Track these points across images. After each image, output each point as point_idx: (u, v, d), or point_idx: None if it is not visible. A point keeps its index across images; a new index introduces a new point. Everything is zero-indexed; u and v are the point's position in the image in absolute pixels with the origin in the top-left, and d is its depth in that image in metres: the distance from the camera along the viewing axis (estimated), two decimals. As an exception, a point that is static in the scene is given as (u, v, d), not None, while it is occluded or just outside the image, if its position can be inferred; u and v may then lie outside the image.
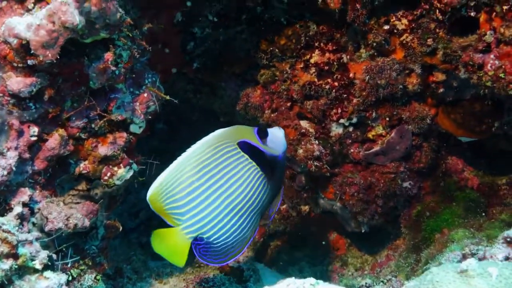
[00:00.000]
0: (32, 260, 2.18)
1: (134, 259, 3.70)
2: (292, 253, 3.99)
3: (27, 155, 2.43)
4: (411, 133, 3.29)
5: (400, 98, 3.19)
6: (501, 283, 1.81)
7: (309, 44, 3.25)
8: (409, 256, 3.37)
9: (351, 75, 3.20)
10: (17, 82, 2.31)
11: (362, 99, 3.17)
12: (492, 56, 2.74)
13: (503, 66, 2.70)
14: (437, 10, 2.88)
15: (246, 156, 2.58)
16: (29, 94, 2.35)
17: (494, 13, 2.70)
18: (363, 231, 3.58)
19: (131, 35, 2.59)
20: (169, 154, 2.65)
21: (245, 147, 2.59)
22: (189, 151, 2.55)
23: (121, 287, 3.44)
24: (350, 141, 3.33)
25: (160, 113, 2.89)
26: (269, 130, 2.71)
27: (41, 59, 2.26)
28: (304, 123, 3.37)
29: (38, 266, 2.19)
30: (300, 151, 3.29)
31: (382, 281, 2.91)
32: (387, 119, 3.24)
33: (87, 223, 2.60)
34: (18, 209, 2.40)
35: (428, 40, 2.96)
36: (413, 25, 2.99)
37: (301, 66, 3.29)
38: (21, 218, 2.42)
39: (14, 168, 2.36)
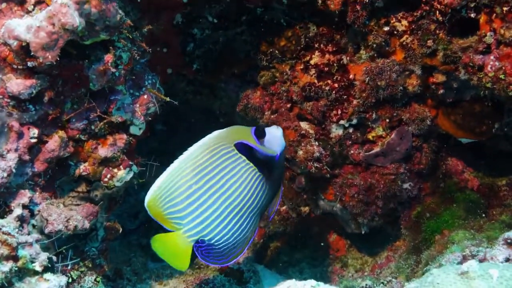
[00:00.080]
0: (32, 262, 2.18)
1: (134, 261, 3.69)
2: (292, 254, 3.99)
3: (27, 157, 2.43)
4: (411, 134, 3.29)
5: (400, 99, 3.19)
6: (502, 285, 1.82)
7: (309, 46, 3.25)
8: (409, 257, 3.37)
9: (351, 76, 3.20)
10: (17, 84, 2.31)
11: (362, 100, 3.17)
12: (492, 57, 2.74)
13: (503, 68, 2.70)
14: (437, 11, 2.88)
15: (244, 158, 2.58)
16: (29, 96, 2.35)
17: (494, 14, 2.71)
18: (363, 232, 3.58)
19: (131, 37, 2.59)
20: (169, 155, 2.65)
21: (242, 148, 2.59)
22: (186, 154, 2.54)
23: (120, 289, 3.45)
24: (350, 142, 3.33)
25: (159, 114, 2.89)
26: (267, 129, 2.70)
27: (41, 61, 2.26)
28: (304, 125, 3.37)
29: (38, 268, 2.19)
30: (300, 152, 3.29)
31: (382, 283, 2.91)
32: (387, 120, 3.24)
33: (87, 224, 2.60)
34: (18, 211, 2.41)
35: (428, 41, 2.96)
36: (413, 26, 2.99)
37: (301, 67, 3.29)
38: (21, 220, 2.42)
39: (14, 170, 2.36)
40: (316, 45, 3.23)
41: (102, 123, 2.63)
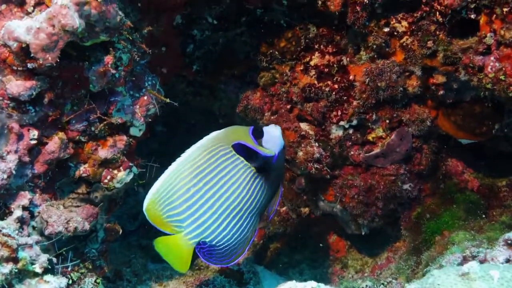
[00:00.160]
0: (32, 263, 2.18)
1: (134, 262, 3.69)
2: (292, 255, 3.99)
3: (27, 159, 2.43)
4: (411, 135, 3.29)
5: (400, 100, 3.19)
6: (503, 286, 1.81)
7: (309, 47, 3.25)
8: (409, 258, 3.37)
9: (351, 77, 3.20)
10: (16, 86, 2.31)
11: (362, 101, 3.17)
12: (492, 58, 2.74)
13: (504, 68, 2.70)
14: (437, 12, 2.88)
15: (242, 159, 2.57)
16: (29, 97, 2.35)
17: (494, 15, 2.71)
18: (363, 233, 3.58)
19: (131, 38, 2.59)
20: (169, 156, 2.64)
21: (240, 149, 2.58)
22: (184, 156, 2.54)
23: (120, 290, 3.44)
24: (350, 143, 3.33)
25: (159, 116, 2.89)
26: (265, 128, 2.69)
27: (41, 62, 2.26)
28: (304, 126, 3.37)
29: (38, 269, 2.19)
30: (300, 153, 3.29)
31: (383, 284, 2.91)
32: (387, 121, 3.24)
33: (87, 226, 2.60)
34: (18, 212, 2.40)
35: (428, 42, 2.96)
36: (413, 27, 2.99)
37: (301, 68, 3.29)
38: (21, 221, 2.42)
39: (14, 172, 2.36)
40: (316, 46, 3.23)
41: (102, 125, 2.63)
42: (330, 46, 3.20)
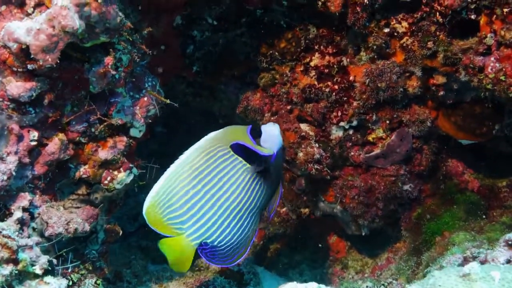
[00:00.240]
0: (33, 265, 2.18)
1: (134, 263, 3.69)
2: (292, 256, 3.99)
3: (27, 160, 2.43)
4: (412, 136, 3.29)
5: (400, 101, 3.19)
6: (504, 287, 1.81)
7: (309, 47, 3.24)
8: (409, 259, 3.37)
9: (351, 78, 3.20)
10: (16, 87, 2.31)
11: (362, 102, 3.17)
12: (492, 58, 2.74)
13: (504, 69, 2.70)
14: (438, 13, 2.88)
15: (240, 159, 2.57)
16: (29, 98, 2.34)
17: (495, 16, 2.71)
18: (363, 234, 3.58)
19: (131, 39, 2.58)
20: (169, 157, 2.64)
21: (238, 149, 2.58)
22: (182, 158, 2.53)
23: (121, 291, 3.44)
24: (350, 144, 3.33)
25: (159, 116, 2.89)
26: (263, 127, 2.68)
27: (41, 63, 2.25)
28: (304, 126, 3.37)
29: (38, 271, 2.18)
30: (300, 154, 3.29)
31: (383, 284, 2.90)
32: (387, 122, 3.24)
33: (87, 227, 2.60)
34: (18, 214, 2.40)
35: (429, 43, 2.96)
36: (414, 28, 2.99)
37: (301, 69, 3.29)
38: (21, 223, 2.41)
39: (14, 173, 2.36)
40: (316, 47, 3.23)
41: (102, 126, 2.62)
42: (330, 46, 3.20)
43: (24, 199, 2.44)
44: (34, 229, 2.49)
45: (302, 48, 3.25)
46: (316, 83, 3.25)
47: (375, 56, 3.12)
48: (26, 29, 2.22)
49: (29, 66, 2.28)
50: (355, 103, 3.21)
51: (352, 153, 3.35)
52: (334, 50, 3.20)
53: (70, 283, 2.60)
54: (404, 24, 3.00)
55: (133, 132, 2.78)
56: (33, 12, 2.31)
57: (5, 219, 2.38)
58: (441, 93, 3.12)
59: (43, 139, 2.49)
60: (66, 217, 2.51)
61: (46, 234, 2.45)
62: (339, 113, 3.25)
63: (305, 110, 3.32)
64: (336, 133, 3.32)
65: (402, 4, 2.95)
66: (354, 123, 3.27)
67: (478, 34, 2.80)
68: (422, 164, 3.40)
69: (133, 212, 4.09)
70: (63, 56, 2.29)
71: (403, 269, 3.35)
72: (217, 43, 3.38)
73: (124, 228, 3.37)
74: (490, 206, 3.39)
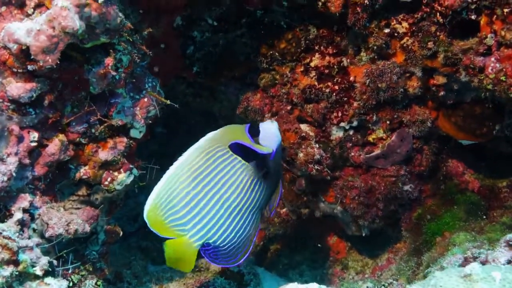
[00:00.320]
0: (33, 266, 2.18)
1: (134, 264, 3.69)
2: (292, 256, 3.99)
3: (27, 161, 2.43)
4: (412, 136, 3.28)
5: (400, 101, 3.19)
6: (505, 288, 1.81)
7: (309, 48, 3.24)
8: (410, 259, 3.36)
9: (351, 78, 3.20)
10: (17, 88, 2.31)
11: (363, 102, 3.17)
12: (493, 59, 2.74)
13: (504, 69, 2.70)
14: (438, 13, 2.88)
15: (239, 158, 2.57)
16: (29, 99, 2.34)
17: (495, 16, 2.70)
18: (363, 234, 3.58)
19: (131, 40, 2.58)
20: (169, 158, 2.64)
21: (237, 148, 2.58)
22: (181, 159, 2.53)
23: (121, 292, 3.44)
24: (350, 144, 3.33)
25: (159, 117, 2.89)
26: (261, 125, 2.69)
27: (41, 64, 2.25)
28: (304, 127, 3.37)
29: (38, 272, 2.18)
30: (301, 154, 3.29)
31: (384, 285, 2.90)
32: (388, 122, 3.24)
33: (87, 228, 2.59)
34: (18, 215, 2.39)
35: (429, 43, 2.95)
36: (414, 28, 2.98)
37: (301, 69, 3.28)
38: (22, 224, 2.41)
39: (14, 174, 2.35)
40: (317, 47, 3.22)
41: (103, 127, 2.62)
42: (330, 47, 3.20)
43: (25, 200, 2.44)
44: (34, 230, 2.48)
45: (302, 48, 3.25)
46: (316, 83, 3.25)
47: (376, 57, 3.12)
48: (26, 30, 2.22)
49: (29, 67, 2.28)
50: (355, 104, 3.21)
51: (353, 154, 3.35)
52: (334, 51, 3.20)
53: (71, 284, 2.59)
54: (405, 24, 3.00)
55: (133, 133, 2.78)
56: (33, 13, 2.31)
57: (6, 220, 2.38)
58: (442, 93, 3.11)
59: (43, 140, 2.49)
60: (67, 218, 2.51)
61: (47, 235, 2.45)
62: (340, 114, 3.25)
63: (305, 110, 3.32)
64: (337, 133, 3.31)
65: (403, 5, 2.95)
66: (355, 123, 3.26)
67: (479, 34, 2.79)
68: (422, 165, 3.40)
69: (133, 212, 4.09)
70: (63, 57, 2.29)
71: (403, 269, 3.35)
72: (217, 44, 3.38)
73: (124, 228, 3.37)
74: (491, 207, 3.39)
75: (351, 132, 3.31)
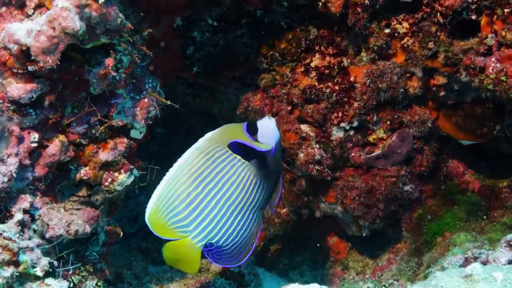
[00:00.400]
0: (33, 267, 2.17)
1: (134, 264, 3.68)
2: (293, 257, 3.99)
3: (27, 162, 2.42)
4: (412, 137, 3.28)
5: (401, 102, 3.18)
6: (506, 288, 1.81)
7: (310, 48, 3.24)
8: (410, 259, 3.36)
9: (351, 78, 3.20)
10: (17, 89, 2.30)
11: (363, 102, 3.17)
12: (493, 59, 2.74)
13: (505, 69, 2.70)
14: (438, 13, 2.88)
15: (239, 157, 2.58)
16: (29, 100, 2.34)
17: (495, 16, 2.70)
18: (364, 234, 3.58)
19: (131, 40, 2.58)
20: (169, 158, 2.64)
21: (236, 147, 2.59)
22: (180, 161, 2.53)
23: (121, 293, 3.44)
24: (351, 144, 3.33)
25: (159, 118, 2.89)
26: (259, 122, 2.70)
27: (41, 65, 2.25)
28: (304, 127, 3.37)
29: (39, 273, 2.18)
30: (301, 155, 3.29)
31: (384, 285, 2.90)
32: (388, 122, 3.24)
33: (88, 229, 2.59)
34: (18, 216, 2.39)
35: (429, 43, 2.95)
36: (414, 28, 2.98)
37: (302, 70, 3.28)
38: (22, 225, 2.41)
39: (14, 175, 2.35)
40: (317, 48, 3.22)
41: (103, 127, 2.62)
42: (330, 47, 3.20)
43: (25, 201, 2.44)
44: (34, 231, 2.48)
45: (302, 49, 3.25)
46: (316, 84, 3.25)
47: (376, 57, 3.12)
48: (26, 30, 2.22)
49: (30, 68, 2.28)
50: (355, 104, 3.21)
51: (353, 154, 3.35)
52: (334, 51, 3.20)
53: (71, 285, 2.59)
54: (405, 24, 3.00)
55: (134, 133, 2.78)
56: (33, 13, 2.31)
57: (6, 221, 2.38)
58: (442, 93, 3.11)
59: (44, 140, 2.49)
60: (67, 218, 2.50)
61: (47, 236, 2.45)
62: (340, 114, 3.25)
63: (305, 111, 3.32)
64: (337, 134, 3.31)
65: (403, 5, 2.95)
66: (355, 123, 3.26)
67: (479, 34, 2.79)
68: (422, 165, 3.40)
69: (133, 213, 4.09)
70: (64, 58, 2.28)
71: (404, 269, 3.35)
72: (217, 44, 3.38)
73: (124, 229, 3.37)
74: (491, 207, 3.39)
75: (351, 133, 3.30)
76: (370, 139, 3.31)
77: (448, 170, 3.52)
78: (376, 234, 3.63)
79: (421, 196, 3.52)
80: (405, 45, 3.03)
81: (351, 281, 3.75)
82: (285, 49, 3.27)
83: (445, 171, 3.52)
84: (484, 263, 2.39)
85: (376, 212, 3.40)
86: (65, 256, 2.55)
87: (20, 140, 2.39)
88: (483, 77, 2.79)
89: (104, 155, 2.66)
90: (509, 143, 3.30)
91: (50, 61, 2.24)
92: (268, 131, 2.67)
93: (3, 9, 2.31)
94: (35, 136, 2.43)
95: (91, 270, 2.74)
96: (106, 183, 2.71)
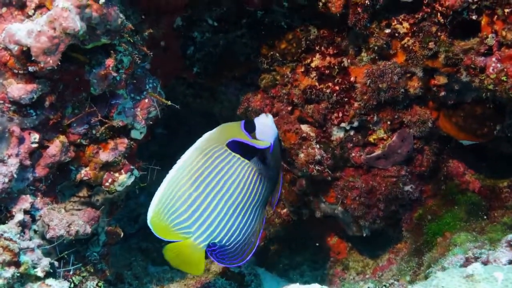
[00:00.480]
0: (34, 267, 2.17)
1: (134, 265, 3.69)
2: (293, 257, 3.99)
3: (28, 162, 2.42)
4: (413, 137, 3.28)
5: (401, 102, 3.18)
6: (507, 288, 1.81)
7: (310, 48, 3.24)
8: (411, 259, 3.36)
9: (352, 79, 3.20)
10: (17, 89, 2.30)
11: (363, 102, 3.17)
12: (494, 59, 2.74)
13: (505, 69, 2.69)
14: (439, 13, 2.88)
15: (238, 156, 2.58)
16: (30, 101, 2.34)
17: (496, 16, 2.70)
18: (364, 235, 3.58)
19: (132, 41, 2.58)
20: (169, 158, 2.64)
21: (235, 146, 2.60)
22: (180, 162, 2.54)
23: (122, 293, 3.44)
24: (351, 145, 3.33)
25: (160, 118, 2.89)
26: (256, 120, 2.71)
27: (42, 65, 2.25)
28: (305, 127, 3.37)
29: (40, 273, 2.18)
30: (301, 155, 3.29)
31: (385, 285, 2.90)
32: (389, 122, 3.24)
33: (88, 229, 2.59)
34: (19, 216, 2.39)
35: (430, 43, 2.95)
36: (415, 28, 2.98)
37: (302, 70, 3.28)
38: (23, 225, 2.41)
39: (15, 175, 2.35)
40: (317, 48, 3.22)
41: (103, 128, 2.62)
42: (331, 47, 3.20)
43: (25, 201, 2.44)
44: (35, 231, 2.48)
45: (302, 49, 3.25)
46: (317, 84, 3.24)
47: (376, 57, 3.12)
48: (27, 31, 2.22)
49: (30, 68, 2.28)
50: (356, 104, 3.21)
51: (353, 154, 3.35)
52: (335, 51, 3.20)
53: (72, 285, 2.59)
54: (405, 24, 3.00)
55: (134, 133, 2.78)
56: (34, 14, 2.31)
57: (7, 221, 2.38)
58: (442, 93, 3.11)
59: (44, 141, 2.49)
60: (68, 219, 2.50)
61: (48, 236, 2.45)
62: (340, 114, 3.25)
63: (306, 111, 3.32)
64: (337, 134, 3.31)
65: (403, 5, 2.95)
66: (355, 124, 3.26)
67: (479, 34, 2.79)
68: (423, 165, 3.40)
69: (133, 214, 4.09)
70: (64, 58, 2.28)
71: (404, 270, 3.35)
72: (217, 44, 3.38)
73: (125, 229, 3.37)
74: (491, 207, 3.38)
75: (351, 133, 3.30)
76: (371, 139, 3.31)
77: (448, 170, 3.52)
78: (377, 234, 3.63)
79: (421, 196, 3.52)
80: (405, 45, 3.03)
81: (351, 281, 3.75)
82: (285, 49, 3.27)
83: (446, 171, 3.52)
84: (485, 263, 2.39)
85: (376, 212, 3.40)
86: (65, 256, 2.55)
87: (21, 140, 2.39)
88: (483, 77, 2.79)
89: (105, 156, 2.66)
90: (510, 143, 3.30)
91: (51, 61, 2.24)
92: (265, 128, 2.69)
93: (4, 9, 2.31)
94: (35, 136, 2.43)
95: (92, 270, 2.75)
96: (107, 184, 2.71)
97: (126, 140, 2.72)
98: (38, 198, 2.52)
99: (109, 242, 2.88)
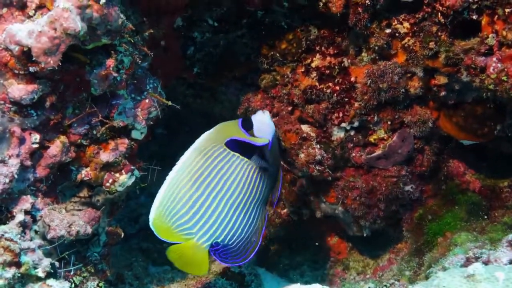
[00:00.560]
0: (35, 268, 2.17)
1: (135, 265, 3.69)
2: (293, 257, 3.99)
3: (28, 163, 2.42)
4: (413, 137, 3.28)
5: (401, 102, 3.18)
6: (508, 288, 1.82)
7: (310, 48, 3.24)
8: (411, 259, 3.36)
9: (352, 79, 3.20)
10: (18, 89, 2.30)
11: (364, 103, 3.17)
12: (494, 59, 2.74)
13: (506, 69, 2.70)
14: (439, 13, 2.88)
15: (237, 155, 2.58)
16: (30, 101, 2.34)
17: (496, 16, 2.70)
18: (365, 235, 3.58)
19: (132, 41, 2.58)
20: (170, 159, 2.65)
21: (233, 145, 2.60)
22: (179, 164, 2.55)
23: (122, 294, 3.44)
24: (351, 145, 3.33)
25: (160, 118, 2.89)
26: (253, 117, 2.72)
27: (42, 66, 2.25)
28: (305, 128, 3.37)
29: (41, 274, 2.18)
30: (302, 155, 3.29)
31: (385, 285, 2.90)
32: (389, 122, 3.24)
33: (89, 230, 2.59)
34: (20, 217, 2.40)
35: (430, 43, 2.95)
36: (415, 28, 2.98)
37: (302, 70, 3.28)
38: (23, 226, 2.41)
39: (16, 176, 2.35)
40: (317, 48, 3.22)
41: (104, 128, 2.62)
42: (331, 47, 3.20)
43: (26, 202, 2.44)
44: (36, 232, 2.48)
45: (303, 49, 3.25)
46: (317, 84, 3.24)
47: (377, 57, 3.12)
48: (27, 31, 2.21)
49: (31, 69, 2.27)
50: (356, 104, 3.21)
51: (354, 154, 3.35)
52: (335, 51, 3.20)
53: (73, 285, 2.59)
54: (406, 24, 3.00)
55: (135, 134, 2.78)
56: (34, 14, 2.30)
57: (7, 222, 2.38)
58: (443, 93, 3.11)
59: (45, 141, 2.49)
60: (68, 219, 2.50)
61: (48, 236, 2.45)
62: (341, 114, 3.25)
63: (306, 111, 3.32)
64: (338, 134, 3.31)
65: (404, 5, 2.95)
66: (356, 124, 3.26)
67: (480, 34, 2.79)
68: (423, 165, 3.40)
69: (134, 214, 4.09)
70: (65, 58, 2.28)
71: (404, 270, 3.35)
72: (217, 45, 3.38)
73: (125, 230, 3.37)
74: (492, 207, 3.38)
75: (352, 133, 3.30)
76: (371, 139, 3.31)
77: (448, 170, 3.51)
78: (377, 234, 3.63)
79: (421, 196, 3.52)
80: (406, 45, 3.03)
81: (352, 281, 3.75)
82: (285, 49, 3.27)
83: (446, 171, 3.52)
84: (486, 263, 2.39)
85: (377, 212, 3.40)
86: (66, 257, 2.55)
87: (21, 141, 2.39)
88: (484, 77, 2.79)
89: (105, 156, 2.66)
90: (510, 143, 3.30)
91: (52, 62, 2.24)
92: (263, 125, 2.70)
93: (4, 10, 2.31)
94: (36, 137, 2.43)
95: (92, 270, 2.75)
96: (107, 184, 2.71)
97: (126, 141, 2.72)
98: (39, 199, 2.52)
99: (109, 243, 2.88)
